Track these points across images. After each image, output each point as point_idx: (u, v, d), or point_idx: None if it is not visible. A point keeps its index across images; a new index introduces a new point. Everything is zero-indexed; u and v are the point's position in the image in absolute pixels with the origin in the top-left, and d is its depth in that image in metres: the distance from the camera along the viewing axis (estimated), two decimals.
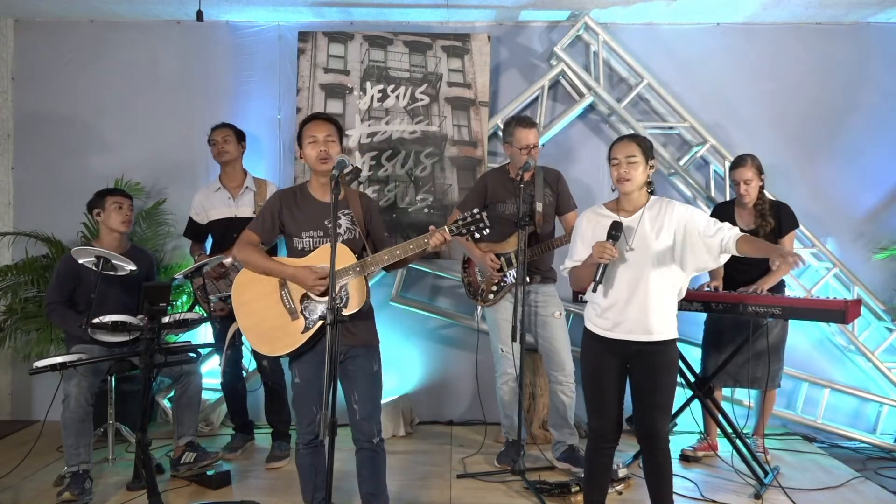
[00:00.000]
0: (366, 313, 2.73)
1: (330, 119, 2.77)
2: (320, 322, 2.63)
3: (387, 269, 2.82)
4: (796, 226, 3.70)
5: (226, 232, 3.83)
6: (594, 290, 2.58)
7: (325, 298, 2.62)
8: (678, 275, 2.64)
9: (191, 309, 3.97)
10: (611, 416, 2.68)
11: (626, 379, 2.69)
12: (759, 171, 3.66)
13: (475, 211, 2.64)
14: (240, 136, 3.94)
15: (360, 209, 2.78)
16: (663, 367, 2.62)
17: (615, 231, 2.56)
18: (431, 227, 2.63)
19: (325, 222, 2.70)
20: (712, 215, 3.83)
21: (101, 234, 3.64)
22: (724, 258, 2.58)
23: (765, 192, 3.69)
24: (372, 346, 2.75)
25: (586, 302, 2.78)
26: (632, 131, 4.23)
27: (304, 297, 2.67)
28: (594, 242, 2.60)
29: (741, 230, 3.53)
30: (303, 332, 2.65)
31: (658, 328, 2.60)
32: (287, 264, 2.68)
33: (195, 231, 3.96)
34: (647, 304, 2.59)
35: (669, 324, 2.63)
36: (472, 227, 2.62)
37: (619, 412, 2.69)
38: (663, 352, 2.62)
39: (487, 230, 2.63)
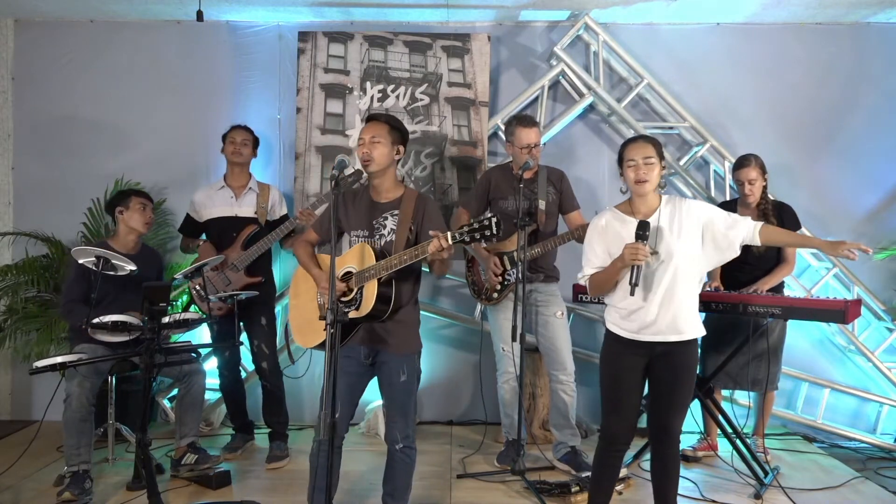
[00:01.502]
0: (404, 320, 2.72)
1: (382, 119, 2.72)
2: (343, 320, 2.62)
3: (431, 270, 2.77)
4: (798, 226, 3.69)
5: (224, 230, 3.84)
6: (632, 294, 2.53)
7: (346, 298, 2.66)
8: (700, 271, 2.64)
9: (186, 308, 3.98)
10: (628, 418, 2.66)
11: (646, 380, 2.68)
12: (763, 170, 3.65)
13: (488, 216, 2.49)
14: (255, 143, 3.97)
15: (410, 211, 2.70)
16: (686, 366, 2.62)
17: (643, 231, 2.51)
18: (432, 232, 2.52)
19: (373, 222, 2.72)
20: None
21: (119, 232, 3.64)
22: (738, 251, 2.62)
23: (768, 192, 3.69)
24: (403, 354, 2.73)
25: (587, 301, 2.77)
26: (633, 132, 4.24)
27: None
28: (614, 246, 2.59)
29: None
30: (325, 329, 2.67)
31: (687, 328, 2.59)
32: (314, 264, 2.80)
33: (191, 228, 3.97)
34: (676, 305, 2.57)
35: (696, 322, 2.64)
36: (478, 235, 2.45)
37: (637, 415, 2.68)
38: (687, 351, 2.62)
39: (496, 239, 2.50)
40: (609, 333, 2.70)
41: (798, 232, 3.68)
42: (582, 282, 2.74)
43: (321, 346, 2.70)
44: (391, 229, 2.71)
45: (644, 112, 4.50)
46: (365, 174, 2.80)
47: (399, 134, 2.73)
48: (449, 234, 2.48)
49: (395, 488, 2.78)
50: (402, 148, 2.74)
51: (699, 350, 3.77)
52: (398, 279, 2.65)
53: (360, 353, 2.71)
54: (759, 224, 2.62)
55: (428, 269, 2.76)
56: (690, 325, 2.61)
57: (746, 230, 2.60)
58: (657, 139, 2.70)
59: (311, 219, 3.58)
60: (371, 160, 2.65)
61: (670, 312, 2.57)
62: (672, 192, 4.42)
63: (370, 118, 2.75)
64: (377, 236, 2.72)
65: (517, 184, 3.41)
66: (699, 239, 2.60)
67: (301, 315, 2.87)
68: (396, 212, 2.72)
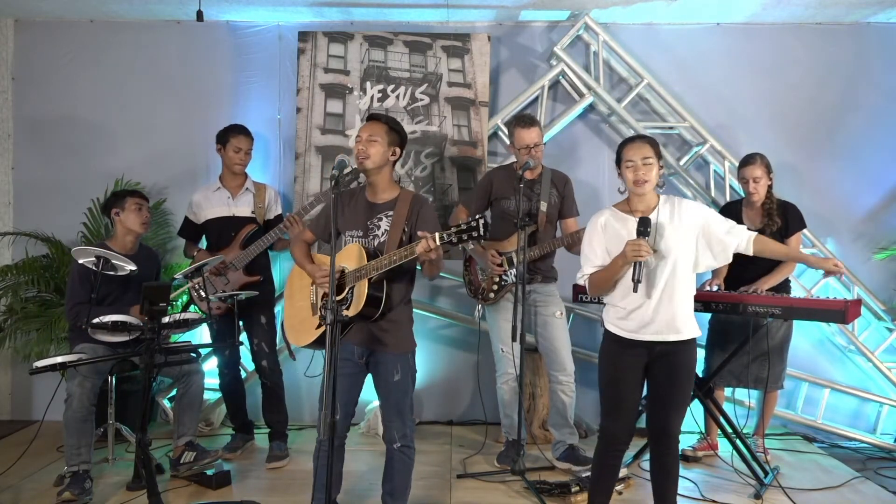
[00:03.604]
0: (398, 319, 2.72)
1: (382, 119, 2.74)
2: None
3: (426, 276, 2.75)
4: (803, 226, 3.68)
5: (223, 230, 3.84)
6: (635, 291, 2.53)
7: (338, 298, 2.64)
8: (693, 272, 2.65)
9: (185, 308, 3.98)
10: (627, 418, 2.66)
11: (645, 380, 2.68)
12: (768, 169, 3.64)
13: (475, 217, 2.48)
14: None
15: (405, 212, 2.71)
16: (685, 366, 2.62)
17: (644, 227, 2.52)
18: (420, 233, 2.51)
19: (367, 222, 2.72)
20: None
21: (117, 233, 3.63)
22: (730, 258, 2.64)
23: (773, 191, 3.68)
24: (397, 353, 2.72)
25: (587, 301, 2.78)
26: (633, 132, 4.24)
27: (326, 294, 2.68)
28: (613, 245, 2.59)
29: (748, 229, 3.57)
30: (317, 328, 2.70)
31: (684, 327, 2.60)
32: (308, 261, 2.81)
33: (191, 230, 3.97)
34: (675, 304, 2.58)
35: (693, 321, 2.64)
36: (465, 236, 2.45)
37: (635, 415, 2.68)
38: (686, 351, 2.62)
39: (482, 240, 2.49)
40: (608, 333, 2.70)
41: (800, 233, 3.68)
42: (581, 281, 2.74)
43: (313, 344, 2.76)
44: (385, 230, 2.71)
45: (644, 112, 4.50)
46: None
47: (397, 136, 2.74)
48: (437, 234, 2.47)
49: (394, 488, 2.78)
50: (398, 150, 2.75)
51: (704, 350, 3.83)
52: (390, 279, 2.64)
53: (353, 352, 2.71)
54: (754, 234, 2.68)
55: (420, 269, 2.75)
56: (688, 325, 2.61)
57: (741, 238, 2.64)
58: (654, 138, 2.71)
59: (297, 226, 3.59)
60: (367, 157, 2.66)
61: (669, 311, 2.58)
62: (670, 192, 4.45)
63: (370, 117, 2.77)
64: (371, 237, 2.72)
65: (518, 184, 3.41)
66: (695, 239, 2.62)
67: (295, 314, 2.89)
68: (391, 213, 2.72)
